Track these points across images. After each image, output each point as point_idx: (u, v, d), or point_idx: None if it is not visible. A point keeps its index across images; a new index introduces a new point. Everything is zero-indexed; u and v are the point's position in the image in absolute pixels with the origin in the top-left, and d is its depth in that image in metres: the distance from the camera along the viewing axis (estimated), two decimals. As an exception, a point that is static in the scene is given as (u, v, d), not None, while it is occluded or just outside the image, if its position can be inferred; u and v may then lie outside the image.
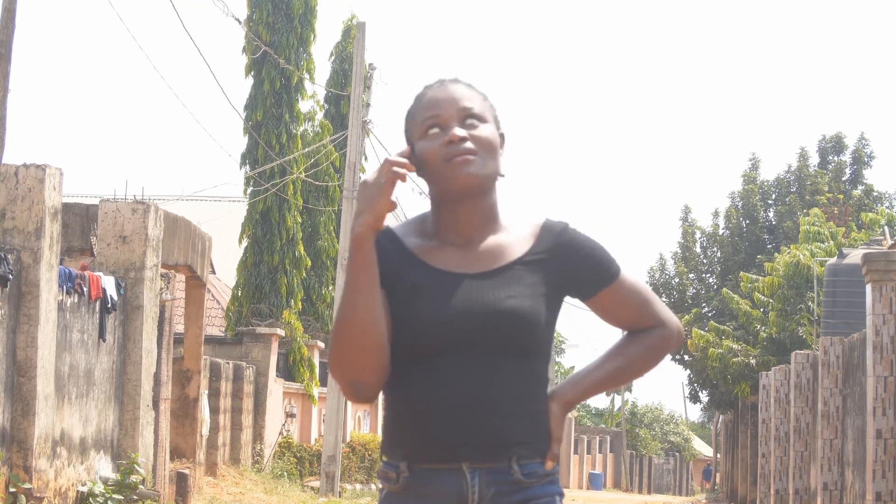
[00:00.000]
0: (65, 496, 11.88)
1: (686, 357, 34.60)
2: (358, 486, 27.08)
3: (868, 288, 12.00)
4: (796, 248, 26.39)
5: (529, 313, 2.82)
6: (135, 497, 12.80)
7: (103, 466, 12.99)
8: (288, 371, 26.68)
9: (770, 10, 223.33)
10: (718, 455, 50.03)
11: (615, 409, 70.71)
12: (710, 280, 38.00)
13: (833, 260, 20.63)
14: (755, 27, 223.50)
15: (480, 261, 2.87)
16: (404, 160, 2.80)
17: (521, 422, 2.83)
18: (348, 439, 27.25)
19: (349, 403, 27.82)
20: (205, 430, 18.54)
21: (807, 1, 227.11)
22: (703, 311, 36.76)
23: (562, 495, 2.91)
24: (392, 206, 2.80)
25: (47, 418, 11.17)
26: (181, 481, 15.78)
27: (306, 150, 28.21)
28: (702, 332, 29.69)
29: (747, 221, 36.97)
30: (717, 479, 50.13)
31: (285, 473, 23.48)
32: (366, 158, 25.81)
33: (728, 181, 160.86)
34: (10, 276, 10.61)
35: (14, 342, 10.86)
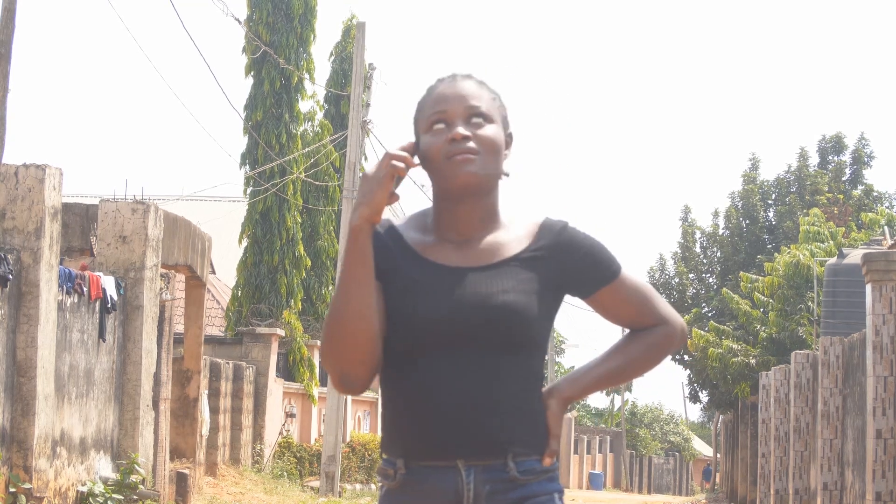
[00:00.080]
0: (65, 496, 11.88)
1: (686, 357, 34.61)
2: (358, 486, 27.08)
3: (868, 288, 12.00)
4: (796, 248, 26.40)
5: (522, 308, 2.82)
6: (135, 497, 12.80)
7: (103, 466, 12.99)
8: (288, 371, 26.68)
9: (770, 10, 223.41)
10: (718, 455, 50.03)
11: (615, 409, 70.73)
12: (710, 280, 38.01)
13: (833, 260, 20.63)
14: (755, 27, 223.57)
15: (477, 257, 2.87)
16: (405, 154, 2.80)
17: (516, 419, 2.82)
18: (348, 439, 27.26)
19: (349, 403, 27.84)
20: (205, 430, 18.55)
21: (807, 1, 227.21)
22: (703, 311, 36.77)
23: (561, 492, 2.90)
24: (393, 199, 2.80)
25: (47, 418, 11.17)
26: (181, 481, 15.78)
27: (306, 150, 28.22)
28: (702, 332, 29.69)
29: (747, 221, 36.98)
30: (717, 479, 50.14)
31: (285, 473, 23.48)
32: (366, 158, 25.81)
33: (728, 181, 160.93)
34: (10, 276, 10.61)
35: (14, 342, 10.86)
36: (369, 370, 2.82)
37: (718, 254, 37.86)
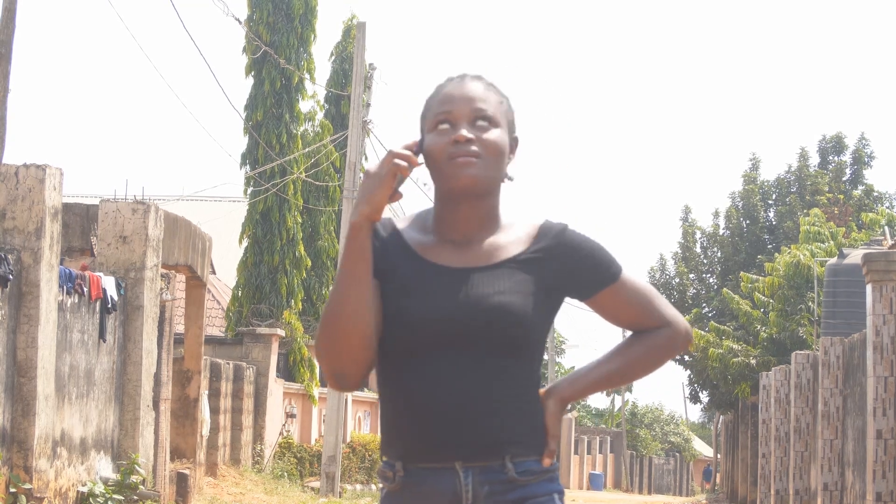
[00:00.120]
0: (65, 496, 11.88)
1: (686, 357, 34.62)
2: (358, 486, 27.08)
3: (868, 288, 12.00)
4: (796, 248, 26.41)
5: (518, 310, 2.81)
6: (135, 497, 12.80)
7: (103, 467, 12.99)
8: (288, 371, 26.67)
9: (770, 10, 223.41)
10: (718, 455, 50.03)
11: (615, 409, 70.74)
12: (711, 280, 38.02)
13: (833, 260, 20.63)
14: (755, 27, 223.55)
15: (475, 258, 2.87)
16: (408, 153, 2.79)
17: (513, 419, 2.81)
18: (348, 439, 27.26)
19: (350, 404, 27.84)
20: (205, 430, 18.55)
21: (807, 1, 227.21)
22: (704, 311, 36.79)
23: (561, 493, 2.89)
24: (395, 198, 2.80)
25: (47, 418, 11.17)
26: (181, 481, 15.78)
27: (306, 150, 28.22)
28: (702, 332, 29.70)
29: (747, 221, 36.99)
30: (718, 480, 50.14)
31: (285, 474, 23.48)
32: (366, 158, 25.80)
33: (728, 181, 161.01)
34: (11, 276, 10.61)
35: (14, 342, 10.86)
36: (363, 367, 2.82)
37: (719, 254, 37.88)
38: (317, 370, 26.61)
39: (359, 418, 30.96)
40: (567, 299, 2.97)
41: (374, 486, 26.94)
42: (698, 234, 38.66)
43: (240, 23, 21.17)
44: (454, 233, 2.89)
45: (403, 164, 2.78)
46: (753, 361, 27.28)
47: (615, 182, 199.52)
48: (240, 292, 27.88)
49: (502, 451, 2.80)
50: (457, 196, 2.85)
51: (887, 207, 34.43)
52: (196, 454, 17.73)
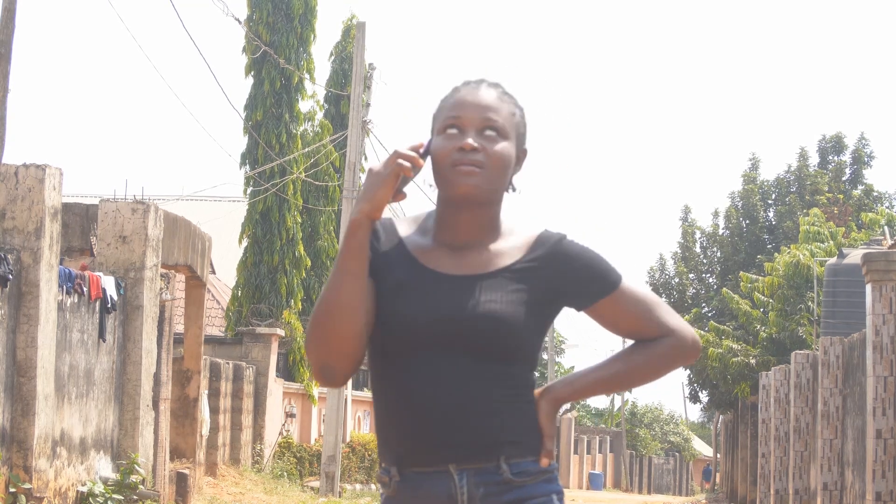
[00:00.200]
0: (65, 496, 11.88)
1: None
2: (358, 486, 27.08)
3: (868, 288, 12.00)
4: (796, 248, 26.40)
5: (507, 319, 2.80)
6: (135, 497, 12.80)
7: (103, 466, 12.99)
8: (288, 371, 26.68)
9: (770, 10, 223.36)
10: (718, 455, 50.03)
11: (615, 409, 70.73)
12: (710, 280, 38.02)
13: (833, 260, 20.63)
14: (755, 27, 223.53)
15: (470, 265, 2.87)
16: (413, 154, 2.78)
17: (507, 421, 2.80)
18: (348, 439, 27.26)
19: (349, 403, 27.84)
20: (205, 430, 18.55)
21: (807, 1, 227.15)
22: (703, 311, 36.78)
23: (560, 493, 2.88)
24: (398, 198, 2.80)
25: (47, 418, 11.17)
26: (181, 481, 15.78)
27: (306, 150, 28.21)
28: (702, 331, 29.69)
29: (747, 221, 36.99)
30: (717, 479, 50.14)
31: (285, 473, 23.48)
32: (366, 158, 25.81)
33: (728, 181, 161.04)
34: (10, 276, 10.61)
35: (14, 342, 10.86)
36: (351, 364, 2.82)
37: (718, 254, 37.87)
38: (317, 370, 26.57)
39: (358, 418, 30.96)
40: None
41: (373, 486, 26.93)
42: (698, 234, 38.66)
43: (240, 23, 21.18)
44: (453, 238, 2.89)
45: (407, 165, 2.77)
46: (753, 361, 27.27)
47: (615, 182, 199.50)
48: (239, 292, 27.87)
49: (496, 452, 2.79)
50: (457, 203, 2.85)
51: (887, 207, 34.43)
52: (196, 454, 17.73)
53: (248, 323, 26.15)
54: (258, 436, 23.53)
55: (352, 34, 30.09)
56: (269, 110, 28.04)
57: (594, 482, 55.43)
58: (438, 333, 2.80)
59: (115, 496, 12.45)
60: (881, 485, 11.61)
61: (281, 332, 24.70)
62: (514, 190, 2.93)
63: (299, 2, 28.02)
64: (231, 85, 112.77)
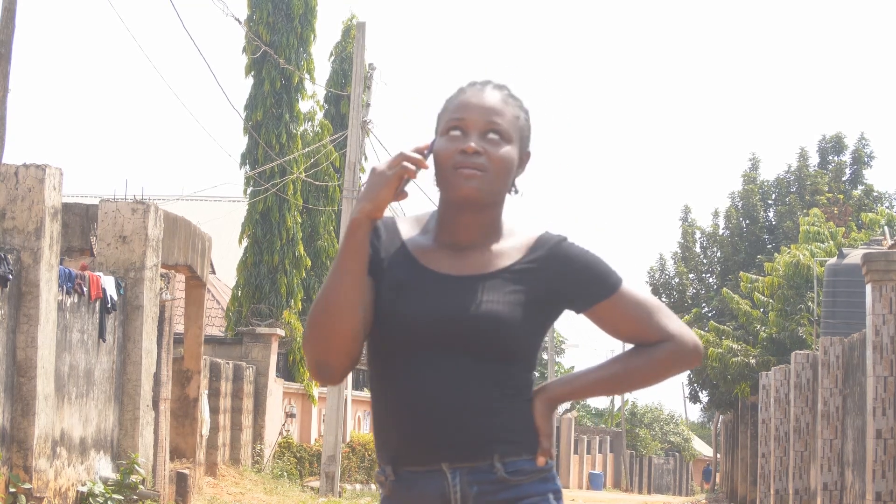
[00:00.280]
0: (65, 496, 11.88)
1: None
2: (358, 486, 27.09)
3: (868, 288, 12.00)
4: (796, 248, 26.40)
5: (505, 319, 2.80)
6: (135, 497, 12.80)
7: (103, 466, 12.99)
8: (288, 371, 26.68)
9: (770, 10, 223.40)
10: (718, 455, 50.04)
11: (615, 409, 70.76)
12: (710, 280, 38.02)
13: (833, 260, 20.63)
14: (755, 27, 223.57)
15: (469, 266, 2.87)
16: (418, 157, 2.78)
17: (502, 420, 2.80)
18: (348, 439, 27.26)
19: (349, 403, 27.85)
20: (205, 430, 18.55)
21: (807, 1, 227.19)
22: (703, 311, 36.79)
23: (557, 492, 2.87)
24: (400, 197, 2.80)
25: (47, 418, 11.17)
26: (181, 481, 15.78)
27: (306, 150, 28.22)
28: (702, 331, 29.69)
29: (747, 221, 37.00)
30: (717, 480, 50.14)
31: (285, 473, 23.49)
32: (366, 158, 25.82)
33: (728, 181, 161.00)
34: (10, 276, 10.61)
35: (14, 342, 10.86)
36: (347, 362, 2.82)
37: (718, 254, 37.88)
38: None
39: (358, 418, 30.97)
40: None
41: (373, 486, 26.93)
42: (698, 234, 38.67)
43: (240, 23, 21.18)
44: (454, 239, 2.89)
45: (412, 168, 2.77)
46: (753, 361, 27.28)
47: (615, 182, 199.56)
48: (239, 292, 27.88)
49: (490, 450, 2.79)
50: (458, 205, 2.86)
51: (887, 207, 34.44)
52: (196, 454, 17.74)
53: (248, 323, 26.15)
54: (258, 436, 23.53)
55: (352, 34, 30.09)
56: (269, 110, 28.05)
57: (594, 482, 55.44)
58: (436, 333, 2.80)
59: (115, 496, 12.45)
60: (881, 485, 11.61)
61: (281, 332, 24.71)
62: (516, 192, 2.93)
63: (299, 2, 28.02)
64: (231, 85, 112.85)
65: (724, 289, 30.90)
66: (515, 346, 2.82)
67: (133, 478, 12.86)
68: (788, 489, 18.37)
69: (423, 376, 2.80)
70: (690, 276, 38.20)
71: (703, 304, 37.37)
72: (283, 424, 25.29)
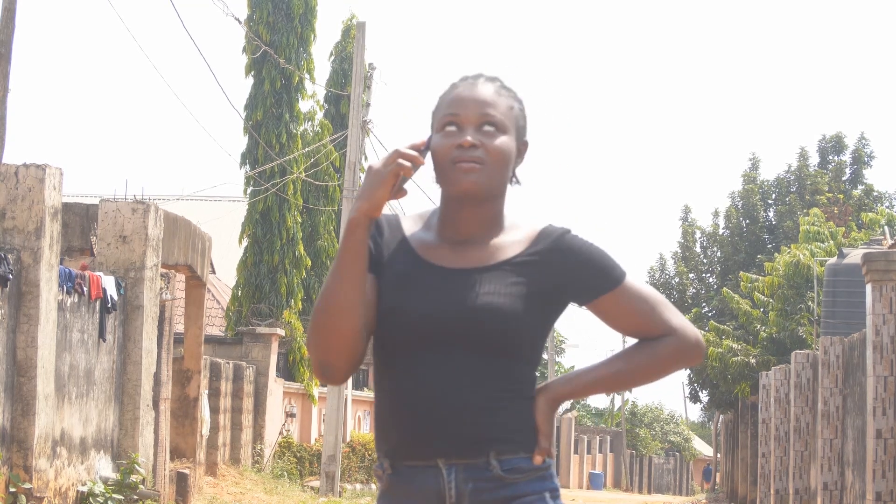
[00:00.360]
0: (65, 496, 11.88)
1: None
2: (358, 486, 27.09)
3: (868, 288, 12.00)
4: (796, 248, 26.40)
5: (504, 311, 2.79)
6: (135, 497, 12.80)
7: (103, 466, 12.99)
8: (288, 371, 26.68)
9: (770, 10, 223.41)
10: (718, 455, 50.04)
11: (615, 408, 70.75)
12: (710, 280, 38.03)
13: (833, 260, 20.63)
14: (755, 27, 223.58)
15: (470, 259, 2.86)
16: (413, 154, 2.78)
17: (500, 417, 2.79)
18: (348, 439, 27.26)
19: (349, 403, 27.84)
20: (205, 429, 18.55)
21: (807, 1, 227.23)
22: (703, 311, 36.80)
23: (554, 490, 2.85)
24: (399, 195, 2.79)
25: (47, 418, 11.17)
26: (181, 481, 15.78)
27: (306, 149, 28.22)
28: (702, 331, 29.69)
29: (747, 221, 37.00)
30: (717, 479, 50.15)
31: (285, 473, 23.49)
32: (366, 158, 25.80)
33: (728, 181, 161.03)
34: (10, 276, 10.61)
35: (14, 342, 10.86)
36: (350, 362, 2.82)
37: (718, 254, 37.89)
38: (317, 370, 26.58)
39: (359, 418, 30.96)
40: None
41: (373, 486, 26.93)
42: (698, 234, 38.68)
43: (240, 23, 21.18)
44: (456, 233, 2.89)
45: (407, 164, 2.76)
46: (753, 361, 27.28)
47: (615, 182, 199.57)
48: (239, 292, 27.88)
49: (486, 448, 2.78)
50: (458, 200, 2.85)
51: (887, 207, 34.45)
52: (196, 454, 17.74)
53: (248, 323, 26.15)
54: (258, 436, 23.53)
55: (352, 34, 30.09)
56: (269, 110, 28.05)
57: (594, 482, 55.45)
58: (437, 327, 2.79)
59: (115, 496, 12.45)
60: (881, 485, 11.61)
61: (281, 332, 24.70)
62: (517, 182, 2.92)
63: (299, 2, 28.02)
64: (231, 85, 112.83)
65: (724, 289, 30.91)
66: (516, 338, 2.81)
67: (133, 478, 12.86)
68: (788, 489, 18.38)
69: (422, 370, 2.79)
70: (690, 275, 38.20)
71: (703, 304, 37.38)
72: (284, 424, 25.29)
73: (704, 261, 38.37)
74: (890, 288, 11.79)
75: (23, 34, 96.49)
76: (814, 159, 37.57)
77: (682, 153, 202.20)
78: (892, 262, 11.79)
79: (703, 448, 76.32)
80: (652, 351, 2.89)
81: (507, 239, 2.89)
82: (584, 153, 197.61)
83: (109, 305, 12.90)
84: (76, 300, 12.19)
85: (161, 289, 14.53)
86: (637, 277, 2.92)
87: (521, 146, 2.93)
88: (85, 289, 12.29)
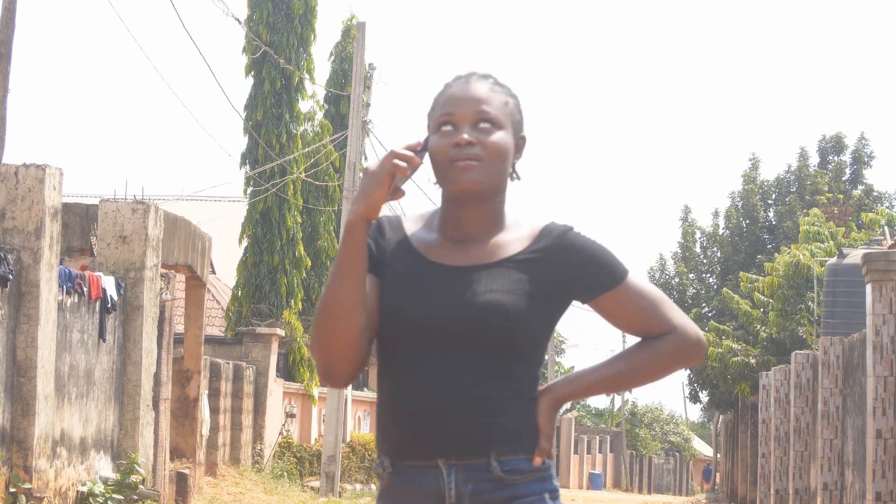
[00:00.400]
0: (65, 496, 11.88)
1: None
2: (358, 486, 27.09)
3: (868, 288, 12.00)
4: (796, 248, 26.40)
5: (508, 308, 2.78)
6: (135, 497, 12.80)
7: (103, 466, 12.99)
8: (288, 371, 26.67)
9: (770, 10, 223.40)
10: (718, 455, 50.04)
11: (615, 409, 70.75)
12: (710, 280, 38.04)
13: (833, 260, 20.63)
14: (755, 27, 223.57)
15: (472, 257, 2.86)
16: (408, 154, 2.78)
17: (501, 418, 2.78)
18: (348, 439, 27.26)
19: (349, 403, 27.85)
20: (205, 430, 18.55)
21: (807, 1, 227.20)
22: (703, 311, 36.80)
23: (554, 492, 2.85)
24: (396, 196, 2.79)
25: (47, 418, 11.17)
26: (181, 481, 15.78)
27: (306, 150, 28.22)
28: (702, 332, 29.69)
29: (747, 221, 37.00)
30: (717, 479, 50.15)
31: (285, 473, 23.49)
32: (366, 158, 25.80)
33: (728, 181, 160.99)
34: (10, 276, 10.61)
35: (14, 342, 10.86)
36: (354, 365, 2.82)
37: (718, 254, 37.89)
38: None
39: (358, 418, 30.96)
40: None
41: (373, 486, 26.93)
42: (698, 234, 38.68)
43: (240, 23, 21.18)
44: (457, 232, 2.88)
45: (402, 164, 2.76)
46: (753, 361, 27.27)
47: (615, 182, 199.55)
48: (239, 292, 27.88)
49: (487, 448, 2.77)
50: (459, 198, 2.85)
51: (887, 207, 34.45)
52: (196, 454, 17.73)
53: (248, 323, 26.15)
54: (258, 436, 23.53)
55: (352, 34, 30.09)
56: (269, 110, 28.05)
57: (594, 482, 55.44)
58: (438, 325, 2.79)
59: (115, 496, 12.45)
60: (881, 485, 11.61)
61: (281, 332, 24.70)
62: (517, 178, 2.92)
63: (299, 2, 28.02)
64: (231, 85, 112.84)
65: (724, 289, 30.91)
66: (518, 336, 2.80)
67: (133, 478, 12.86)
68: (788, 489, 18.38)
69: (423, 369, 2.79)
70: (690, 276, 38.21)
71: (703, 304, 37.38)
72: (283, 424, 25.28)
73: (704, 261, 38.38)
74: (890, 288, 11.79)
75: (23, 34, 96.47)
76: (814, 159, 37.57)
77: (682, 153, 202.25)
78: (892, 262, 11.78)
79: (703, 448, 76.31)
80: (653, 350, 2.88)
81: (509, 237, 2.88)
82: (585, 153, 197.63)
83: (109, 305, 12.90)
84: (76, 300, 12.19)
85: (161, 289, 14.53)
86: (639, 275, 2.92)
87: (519, 141, 2.92)
88: (85, 289, 12.29)
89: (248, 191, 28.25)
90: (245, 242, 28.26)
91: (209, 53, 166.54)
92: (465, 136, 2.81)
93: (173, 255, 15.43)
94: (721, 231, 37.80)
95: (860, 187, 36.52)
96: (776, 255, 29.17)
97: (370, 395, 30.67)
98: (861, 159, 37.20)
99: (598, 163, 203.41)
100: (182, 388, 17.55)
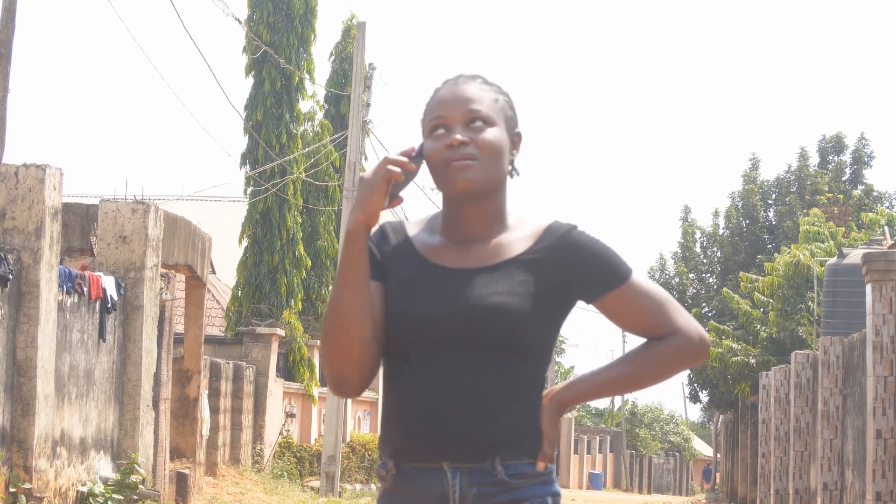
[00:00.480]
0: (65, 496, 11.88)
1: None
2: (358, 486, 27.08)
3: (868, 288, 12.00)
4: (796, 248, 26.40)
5: (513, 310, 2.78)
6: (135, 497, 12.80)
7: (103, 466, 12.99)
8: (288, 371, 26.67)
9: (770, 10, 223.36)
10: (718, 455, 50.04)
11: (615, 409, 70.75)
12: (710, 280, 38.04)
13: (833, 260, 20.63)
14: (755, 27, 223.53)
15: (476, 258, 2.85)
16: (402, 159, 2.78)
17: (505, 422, 2.78)
18: (348, 439, 27.26)
19: (349, 403, 27.84)
20: (205, 430, 18.54)
21: (807, 1, 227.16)
22: (703, 311, 36.80)
23: (556, 496, 2.85)
24: (394, 203, 2.80)
25: (47, 418, 11.17)
26: (181, 481, 15.78)
27: (306, 150, 28.21)
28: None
29: (747, 221, 37.00)
30: (717, 479, 50.15)
31: (285, 473, 23.49)
32: (366, 158, 25.82)
33: (728, 181, 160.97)
34: (10, 276, 10.61)
35: (14, 342, 10.86)
36: (363, 373, 2.82)
37: (718, 254, 37.89)
38: (316, 370, 26.63)
39: (358, 418, 30.97)
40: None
41: (373, 486, 26.93)
42: (698, 234, 38.69)
43: (240, 23, 21.18)
44: (459, 233, 2.88)
45: (397, 170, 2.76)
46: (753, 361, 27.27)
47: (615, 182, 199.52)
48: (239, 292, 27.88)
49: (492, 452, 2.77)
50: (459, 199, 2.85)
51: (887, 207, 34.45)
52: (196, 454, 17.73)
53: (248, 323, 26.15)
54: (258, 436, 23.53)
55: (352, 34, 30.09)
56: (270, 110, 28.05)
57: (594, 482, 55.44)
58: (443, 328, 2.78)
59: (115, 496, 12.45)
60: (881, 485, 11.61)
61: (281, 332, 24.70)
62: (517, 174, 2.92)
63: (299, 2, 28.02)
64: (231, 85, 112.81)
65: (724, 289, 30.90)
66: (524, 337, 2.79)
67: (133, 478, 12.86)
68: (788, 489, 18.37)
69: (429, 371, 2.78)
70: (690, 276, 38.21)
71: (703, 304, 37.38)
72: (283, 424, 25.28)
73: (704, 261, 38.38)
74: (890, 288, 11.78)
75: (23, 34, 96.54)
76: (814, 159, 37.57)
77: (682, 153, 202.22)
78: (892, 262, 11.78)
79: (703, 448, 76.31)
80: (657, 351, 2.87)
81: (512, 236, 2.88)
82: (585, 153, 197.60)
83: (109, 305, 12.90)
84: (76, 300, 12.19)
85: (161, 289, 14.53)
86: (643, 275, 2.91)
87: (514, 137, 2.92)
88: (85, 289, 12.28)
89: (248, 191, 28.25)
90: (245, 242, 28.26)
91: (209, 53, 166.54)
92: (458, 136, 2.81)
93: (173, 255, 15.43)
94: (721, 231, 37.81)
95: (860, 187, 36.52)
96: (776, 255, 29.17)
97: (370, 395, 30.67)
98: (861, 159, 37.20)
99: (598, 163, 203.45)
100: (182, 388, 17.55)
